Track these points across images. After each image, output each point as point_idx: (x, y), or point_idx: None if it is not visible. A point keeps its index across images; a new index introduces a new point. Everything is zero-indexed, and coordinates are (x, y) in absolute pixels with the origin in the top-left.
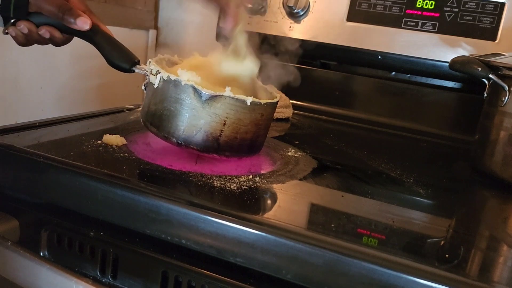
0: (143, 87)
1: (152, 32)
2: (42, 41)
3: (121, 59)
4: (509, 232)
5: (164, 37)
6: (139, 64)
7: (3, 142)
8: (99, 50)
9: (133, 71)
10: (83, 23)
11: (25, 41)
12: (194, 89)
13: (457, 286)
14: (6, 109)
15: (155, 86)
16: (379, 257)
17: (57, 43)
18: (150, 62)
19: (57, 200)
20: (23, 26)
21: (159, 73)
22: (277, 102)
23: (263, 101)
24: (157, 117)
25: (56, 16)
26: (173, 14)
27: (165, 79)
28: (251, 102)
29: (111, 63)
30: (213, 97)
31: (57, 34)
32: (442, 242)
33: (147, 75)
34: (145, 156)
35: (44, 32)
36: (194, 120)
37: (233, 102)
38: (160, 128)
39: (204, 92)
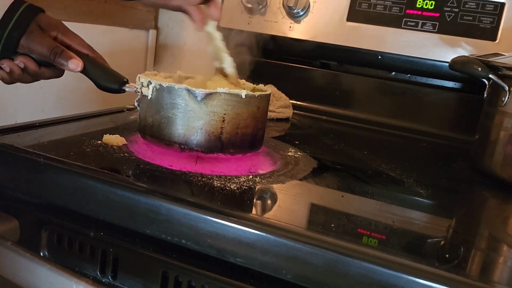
0: (135, 104)
1: (152, 32)
2: (27, 79)
3: (110, 81)
4: (509, 232)
5: (164, 37)
6: (128, 83)
7: (3, 142)
8: (87, 76)
9: (124, 91)
10: (76, 66)
11: (10, 79)
12: (188, 90)
13: (457, 286)
14: (6, 109)
15: (149, 97)
16: (379, 257)
17: (43, 77)
18: (139, 77)
19: (57, 200)
20: (6, 65)
21: (151, 83)
22: (269, 95)
23: (257, 94)
24: (155, 127)
25: (48, 58)
26: (173, 14)
27: (158, 87)
28: (245, 95)
29: (100, 86)
30: (208, 95)
31: (32, 66)
32: (442, 242)
33: (138, 92)
34: (145, 156)
35: (19, 62)
36: (193, 121)
37: (229, 97)
38: (160, 137)
39: (198, 92)
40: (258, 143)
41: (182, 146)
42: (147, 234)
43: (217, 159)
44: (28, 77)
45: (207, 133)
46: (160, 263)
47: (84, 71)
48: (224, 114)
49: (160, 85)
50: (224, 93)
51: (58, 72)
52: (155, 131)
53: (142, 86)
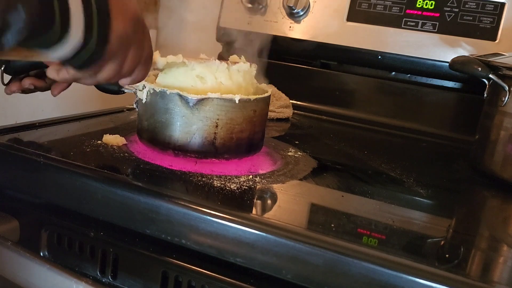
0: (134, 105)
1: (152, 32)
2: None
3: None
4: (509, 232)
5: (164, 37)
6: None
7: (3, 142)
8: None
9: (123, 92)
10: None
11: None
12: (180, 96)
13: (457, 286)
14: (6, 109)
15: (144, 101)
16: (379, 257)
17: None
18: None
19: (57, 200)
20: (16, 89)
21: (145, 87)
22: (269, 97)
23: (252, 97)
24: (150, 131)
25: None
26: (173, 14)
27: (152, 92)
28: (239, 100)
29: (99, 88)
30: (200, 101)
31: (40, 83)
32: (442, 242)
33: (136, 93)
34: (145, 156)
35: (28, 85)
36: (186, 127)
37: (222, 103)
38: (155, 142)
39: (190, 97)
40: (256, 146)
41: (176, 152)
42: (147, 234)
43: (218, 162)
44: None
45: (201, 139)
46: (160, 263)
47: None
48: (217, 119)
49: (153, 89)
50: (217, 98)
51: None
52: (150, 134)
53: (138, 89)
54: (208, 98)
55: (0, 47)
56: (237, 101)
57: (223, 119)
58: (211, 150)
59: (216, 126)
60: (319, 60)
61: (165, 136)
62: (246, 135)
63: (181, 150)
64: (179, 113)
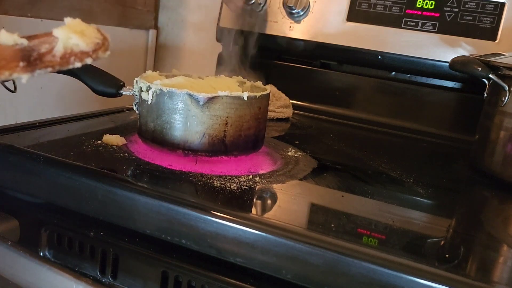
0: (134, 107)
1: (152, 32)
2: None
3: (106, 85)
4: (509, 232)
5: (164, 37)
6: (124, 86)
7: (3, 142)
8: (81, 81)
9: (121, 94)
10: None
11: None
12: (190, 95)
13: (457, 286)
14: (6, 109)
15: (149, 102)
16: (379, 257)
17: None
18: (137, 81)
19: (57, 200)
20: None
21: (151, 88)
22: (269, 94)
23: (258, 94)
24: (157, 133)
25: None
26: (173, 14)
27: (158, 92)
28: (247, 97)
29: (96, 91)
30: (210, 99)
31: None
32: (442, 242)
33: (136, 95)
34: (145, 156)
35: None
36: (196, 126)
37: (231, 100)
38: (164, 143)
39: (200, 96)
40: (260, 142)
41: (186, 151)
42: (147, 234)
43: (219, 159)
44: None
45: (210, 137)
46: (160, 263)
47: (78, 76)
48: (227, 117)
49: (160, 90)
50: (226, 96)
51: None
52: (157, 136)
53: (141, 90)
54: (218, 96)
55: None
56: (245, 98)
57: (232, 116)
58: (221, 148)
59: (226, 124)
60: (319, 60)
61: (174, 136)
62: (252, 132)
63: (191, 149)
64: (189, 112)
